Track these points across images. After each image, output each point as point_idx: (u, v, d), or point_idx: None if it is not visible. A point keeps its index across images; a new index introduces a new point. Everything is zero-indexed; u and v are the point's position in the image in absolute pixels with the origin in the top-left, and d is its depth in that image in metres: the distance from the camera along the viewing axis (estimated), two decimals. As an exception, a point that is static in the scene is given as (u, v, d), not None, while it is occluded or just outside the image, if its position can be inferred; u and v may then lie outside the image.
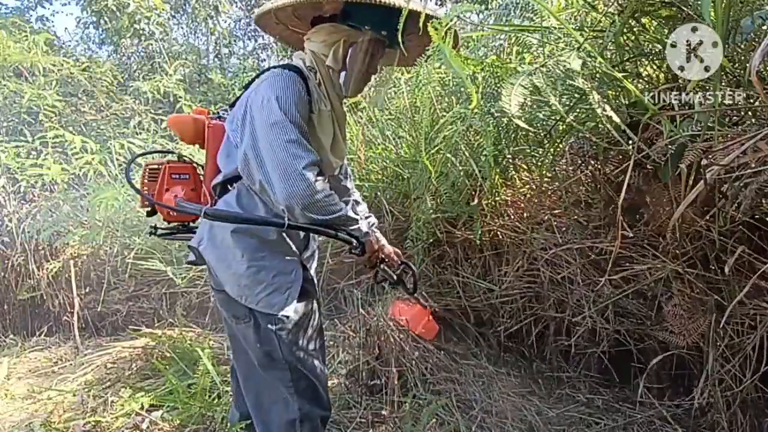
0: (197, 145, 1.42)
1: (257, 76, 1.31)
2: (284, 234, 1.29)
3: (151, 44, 5.97)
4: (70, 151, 3.82)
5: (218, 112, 1.43)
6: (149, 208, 1.45)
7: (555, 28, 1.68)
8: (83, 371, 2.62)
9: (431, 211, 2.43)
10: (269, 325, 1.24)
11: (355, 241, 1.28)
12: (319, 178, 1.16)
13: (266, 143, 1.14)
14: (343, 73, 1.30)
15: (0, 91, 4.36)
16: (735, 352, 1.70)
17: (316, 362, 1.33)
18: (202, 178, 1.41)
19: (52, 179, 3.69)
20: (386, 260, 1.45)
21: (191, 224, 1.45)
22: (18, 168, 3.79)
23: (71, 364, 2.81)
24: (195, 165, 1.44)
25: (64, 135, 3.80)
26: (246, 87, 1.33)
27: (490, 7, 1.65)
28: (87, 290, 3.51)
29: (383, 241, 1.51)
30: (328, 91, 1.31)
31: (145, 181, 1.43)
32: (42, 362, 2.97)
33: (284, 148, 1.13)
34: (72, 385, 2.46)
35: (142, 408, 2.02)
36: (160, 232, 1.45)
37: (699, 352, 1.82)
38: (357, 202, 1.65)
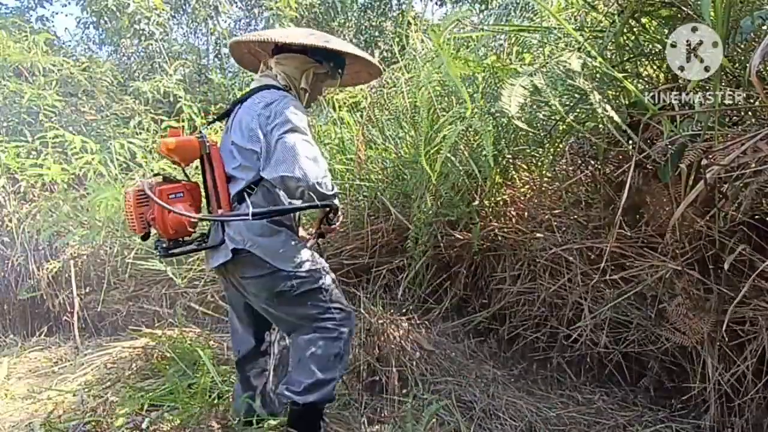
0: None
1: (244, 97, 1.60)
2: (285, 217, 1.62)
3: (151, 44, 5.97)
4: (70, 151, 3.81)
5: (202, 133, 1.56)
6: (144, 233, 1.52)
7: (555, 28, 1.69)
8: (83, 371, 2.62)
9: (431, 212, 2.43)
10: (317, 280, 1.59)
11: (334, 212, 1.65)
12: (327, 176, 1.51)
13: (301, 145, 1.45)
14: (306, 93, 1.69)
15: (0, 91, 4.35)
16: (735, 351, 1.70)
17: (347, 303, 1.70)
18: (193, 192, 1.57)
19: (52, 179, 3.69)
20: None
21: (187, 239, 1.58)
22: (18, 168, 3.79)
23: (71, 364, 2.81)
24: (184, 183, 1.55)
25: (64, 135, 3.80)
26: (235, 103, 1.64)
27: (490, 6, 1.65)
28: (87, 290, 3.50)
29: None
30: None
31: (135, 206, 1.47)
32: (42, 362, 2.97)
33: (311, 146, 1.47)
34: (72, 385, 2.46)
35: (142, 408, 2.02)
36: (177, 251, 1.55)
37: (699, 352, 1.82)
38: None
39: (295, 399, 1.56)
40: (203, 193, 1.58)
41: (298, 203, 1.54)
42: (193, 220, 1.47)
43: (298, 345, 1.61)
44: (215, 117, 1.84)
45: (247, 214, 1.42)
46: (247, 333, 1.77)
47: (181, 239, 1.52)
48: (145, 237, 1.55)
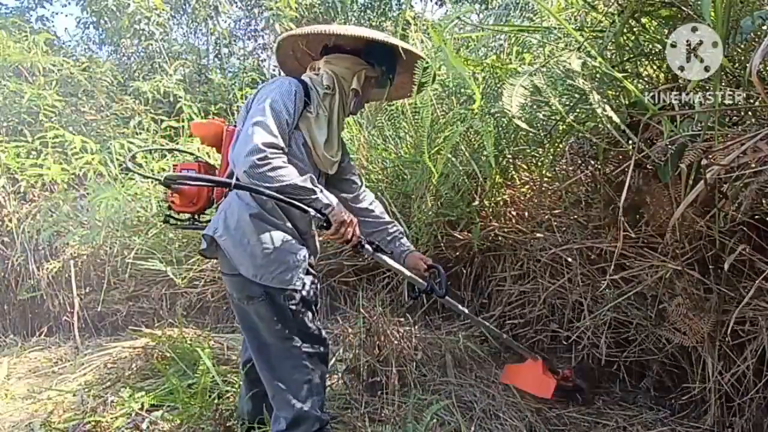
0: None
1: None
2: (288, 216, 1.46)
3: (151, 44, 5.97)
4: (70, 151, 3.81)
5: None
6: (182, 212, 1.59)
7: (555, 28, 1.68)
8: (83, 371, 2.62)
9: (431, 213, 2.43)
10: (283, 300, 1.41)
11: (315, 211, 1.35)
12: (272, 155, 1.30)
13: (256, 119, 1.34)
14: (356, 96, 1.60)
15: (0, 91, 4.35)
16: (735, 352, 1.70)
17: (320, 327, 1.53)
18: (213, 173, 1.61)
19: (52, 179, 3.69)
20: (365, 240, 1.48)
21: (199, 217, 1.62)
22: (18, 168, 3.79)
23: (71, 364, 2.81)
24: (200, 163, 1.61)
25: (64, 135, 3.80)
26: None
27: (490, 6, 1.66)
28: (87, 290, 3.50)
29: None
30: (334, 104, 1.54)
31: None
32: (42, 362, 2.97)
33: (255, 124, 1.33)
34: (72, 385, 2.46)
35: (142, 408, 2.02)
36: (172, 221, 1.61)
37: (699, 353, 1.82)
38: (371, 202, 1.79)
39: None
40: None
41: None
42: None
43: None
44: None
45: (229, 184, 1.29)
46: None
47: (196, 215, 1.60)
48: (166, 221, 1.62)
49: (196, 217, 1.61)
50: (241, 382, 1.83)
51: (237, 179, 1.33)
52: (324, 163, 1.54)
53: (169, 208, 1.60)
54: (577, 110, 1.85)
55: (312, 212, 1.34)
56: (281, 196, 1.30)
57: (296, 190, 1.32)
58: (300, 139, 1.47)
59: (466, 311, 1.90)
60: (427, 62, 1.45)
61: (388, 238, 1.76)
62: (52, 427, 1.99)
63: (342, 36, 1.50)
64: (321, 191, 1.38)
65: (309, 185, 1.34)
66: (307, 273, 1.48)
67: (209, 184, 1.49)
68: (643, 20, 1.66)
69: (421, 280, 1.66)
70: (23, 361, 3.03)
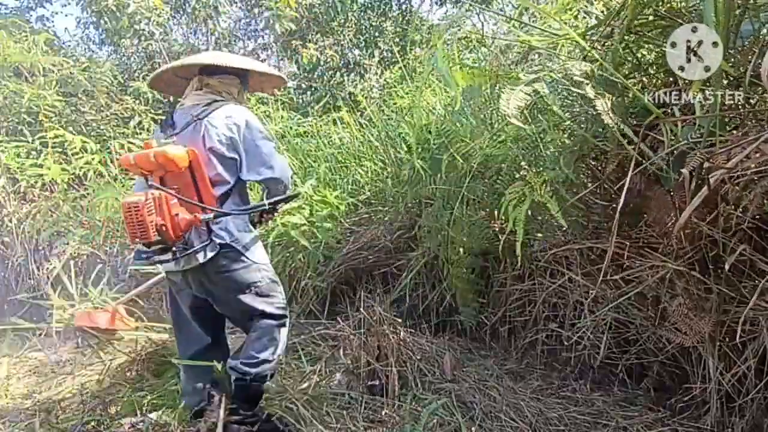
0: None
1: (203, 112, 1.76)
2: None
3: (151, 44, 5.96)
4: (70, 151, 3.81)
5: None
6: (153, 240, 1.60)
7: (559, 36, 1.68)
8: (83, 371, 2.62)
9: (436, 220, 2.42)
10: (263, 270, 1.83)
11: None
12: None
13: (269, 149, 1.78)
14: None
15: (0, 91, 4.35)
16: (736, 352, 1.70)
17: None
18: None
19: (52, 179, 3.69)
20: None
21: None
22: (18, 168, 3.79)
23: (71, 364, 2.80)
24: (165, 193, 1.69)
25: (64, 135, 3.80)
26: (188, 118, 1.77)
27: (489, 6, 1.66)
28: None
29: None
30: None
31: (147, 215, 1.56)
32: (42, 362, 2.97)
33: (277, 150, 1.81)
34: (72, 385, 2.46)
35: (141, 408, 2.02)
36: (174, 250, 1.67)
37: (699, 353, 1.82)
38: None
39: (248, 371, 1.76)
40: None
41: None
42: (203, 217, 1.65)
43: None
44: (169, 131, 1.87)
45: (264, 205, 1.77)
46: (199, 331, 1.91)
47: (170, 243, 1.63)
48: (150, 245, 1.61)
49: (186, 239, 1.71)
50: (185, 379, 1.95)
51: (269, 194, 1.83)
52: None
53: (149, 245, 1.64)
54: (577, 110, 1.85)
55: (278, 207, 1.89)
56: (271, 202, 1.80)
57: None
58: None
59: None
60: (279, 77, 2.05)
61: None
62: (52, 427, 1.98)
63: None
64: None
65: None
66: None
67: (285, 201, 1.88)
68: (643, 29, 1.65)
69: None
70: (23, 361, 3.02)
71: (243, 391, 1.78)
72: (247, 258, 1.77)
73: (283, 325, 1.87)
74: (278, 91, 4.24)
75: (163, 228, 1.56)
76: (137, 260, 1.76)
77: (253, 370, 1.77)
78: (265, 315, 1.82)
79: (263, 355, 1.79)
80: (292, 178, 1.84)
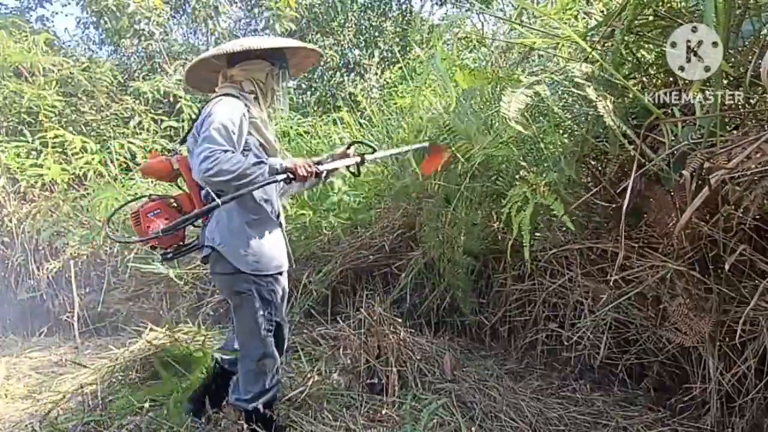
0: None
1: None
2: (265, 207, 1.74)
3: (151, 44, 5.96)
4: (70, 151, 3.81)
5: (173, 150, 1.83)
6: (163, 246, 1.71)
7: (560, 37, 1.68)
8: (83, 371, 2.62)
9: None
10: (265, 283, 1.73)
11: (281, 175, 1.67)
12: (218, 152, 1.51)
13: (204, 146, 1.54)
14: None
15: (0, 91, 4.35)
16: (736, 352, 1.70)
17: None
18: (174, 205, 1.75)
19: (52, 179, 3.69)
20: (322, 169, 1.81)
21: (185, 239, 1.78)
22: (18, 168, 3.79)
23: (71, 364, 2.80)
24: (163, 199, 1.74)
25: (64, 135, 3.80)
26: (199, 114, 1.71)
27: (490, 6, 1.66)
28: (87, 290, 3.51)
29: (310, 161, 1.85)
30: (260, 102, 1.80)
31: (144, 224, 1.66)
32: (42, 362, 2.97)
33: (204, 139, 1.54)
34: (72, 385, 2.46)
35: (141, 408, 2.02)
36: (170, 256, 1.77)
37: (699, 353, 1.81)
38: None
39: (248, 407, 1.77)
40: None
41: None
42: (155, 234, 1.60)
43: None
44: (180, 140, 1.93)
45: (217, 205, 1.56)
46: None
47: (181, 244, 1.74)
48: (154, 247, 1.74)
49: (182, 242, 1.75)
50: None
51: (215, 196, 1.56)
52: (272, 147, 1.81)
53: (153, 248, 1.75)
54: (576, 110, 1.85)
55: (279, 177, 1.64)
56: (244, 182, 1.54)
57: (250, 169, 1.56)
58: (255, 141, 1.71)
59: (394, 151, 2.24)
60: (313, 49, 1.90)
61: (316, 160, 1.96)
62: (52, 427, 1.98)
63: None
64: (266, 160, 1.69)
65: (255, 161, 1.62)
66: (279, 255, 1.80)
67: (199, 217, 1.66)
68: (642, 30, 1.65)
69: (355, 159, 1.92)
70: (23, 361, 3.02)
71: (254, 419, 1.79)
72: (232, 265, 1.67)
73: (266, 356, 1.75)
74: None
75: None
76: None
77: (251, 406, 1.77)
78: (243, 344, 1.78)
79: (256, 389, 1.77)
80: (237, 173, 1.51)
